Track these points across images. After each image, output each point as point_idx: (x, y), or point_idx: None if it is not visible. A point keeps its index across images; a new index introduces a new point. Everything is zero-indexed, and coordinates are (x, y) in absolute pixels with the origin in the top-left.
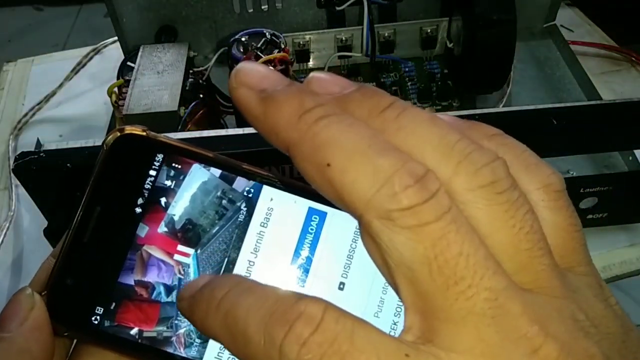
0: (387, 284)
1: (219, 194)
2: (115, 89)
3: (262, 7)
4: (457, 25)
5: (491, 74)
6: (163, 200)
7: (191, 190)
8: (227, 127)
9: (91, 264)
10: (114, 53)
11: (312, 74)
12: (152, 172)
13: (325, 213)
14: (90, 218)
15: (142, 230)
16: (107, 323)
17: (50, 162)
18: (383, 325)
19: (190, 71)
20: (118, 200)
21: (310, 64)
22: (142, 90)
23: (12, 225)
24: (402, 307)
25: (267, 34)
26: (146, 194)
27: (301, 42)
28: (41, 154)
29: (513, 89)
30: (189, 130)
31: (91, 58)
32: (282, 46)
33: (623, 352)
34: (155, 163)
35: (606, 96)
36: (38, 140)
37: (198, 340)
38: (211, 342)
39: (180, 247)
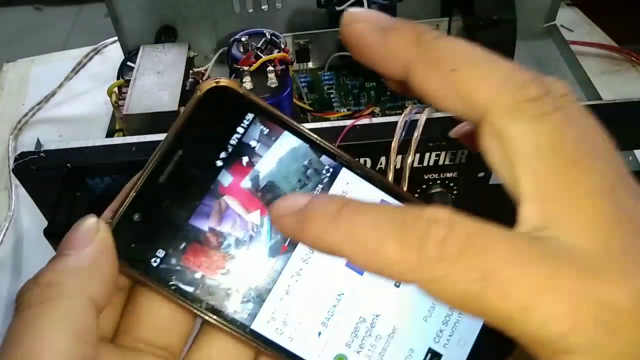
0: None
1: (304, 163)
2: (115, 89)
3: (262, 7)
4: (457, 25)
5: None
6: (248, 157)
7: (278, 154)
8: None
9: (163, 205)
10: (114, 53)
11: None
12: (240, 129)
13: None
14: (170, 160)
15: (225, 181)
16: (169, 264)
17: (50, 162)
18: (429, 331)
19: (190, 71)
20: (201, 148)
21: (310, 64)
22: (142, 90)
23: (12, 225)
24: (518, 218)
25: (267, 34)
26: (231, 148)
27: (301, 42)
28: (41, 154)
29: None
30: None
31: (91, 58)
32: (282, 46)
33: None
34: (245, 121)
35: (606, 96)
36: (38, 140)
37: (256, 298)
38: (268, 301)
39: (259, 206)
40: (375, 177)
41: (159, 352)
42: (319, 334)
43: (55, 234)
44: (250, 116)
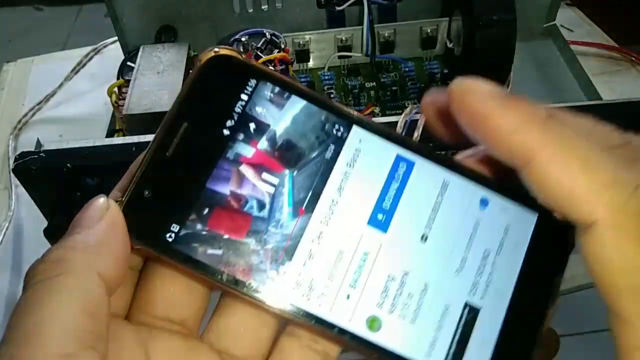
0: (470, 243)
1: (313, 124)
2: (115, 89)
3: (262, 7)
4: (457, 25)
5: (491, 74)
6: (255, 122)
7: (286, 116)
8: None
9: (173, 179)
10: (114, 53)
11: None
12: (244, 96)
13: (413, 162)
14: (176, 134)
15: (233, 148)
16: (184, 239)
17: (50, 162)
18: (463, 284)
19: (190, 71)
20: (207, 118)
21: (310, 64)
22: (142, 90)
23: (12, 225)
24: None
25: (267, 34)
26: (237, 116)
27: (301, 42)
28: (41, 154)
29: (513, 89)
30: None
31: (91, 58)
32: (282, 46)
33: None
34: (248, 87)
35: (606, 96)
36: (38, 140)
37: (285, 258)
38: (295, 258)
39: (275, 167)
40: (386, 132)
41: (174, 327)
42: (348, 296)
43: (55, 234)
44: (253, 82)
